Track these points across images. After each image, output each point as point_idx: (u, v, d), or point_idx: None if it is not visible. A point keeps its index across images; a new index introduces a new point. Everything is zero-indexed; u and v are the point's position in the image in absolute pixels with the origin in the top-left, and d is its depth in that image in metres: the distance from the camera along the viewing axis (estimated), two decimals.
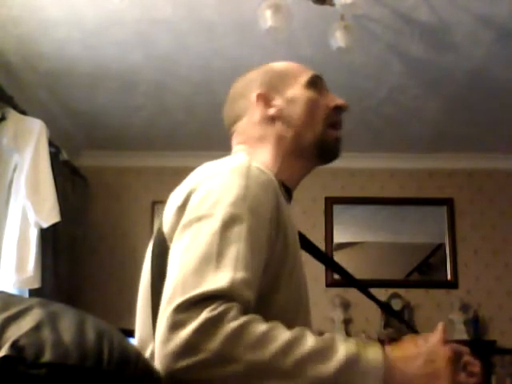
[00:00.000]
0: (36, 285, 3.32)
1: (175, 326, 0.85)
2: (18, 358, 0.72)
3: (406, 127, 4.33)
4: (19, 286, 3.28)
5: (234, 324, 0.85)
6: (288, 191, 1.21)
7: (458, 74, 3.62)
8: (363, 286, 1.40)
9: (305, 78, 1.28)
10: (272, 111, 1.24)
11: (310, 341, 0.89)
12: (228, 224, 0.95)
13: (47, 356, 0.73)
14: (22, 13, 3.06)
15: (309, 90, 1.26)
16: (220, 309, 0.85)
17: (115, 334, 0.81)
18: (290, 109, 1.24)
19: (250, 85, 1.29)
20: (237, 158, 1.13)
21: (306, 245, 1.30)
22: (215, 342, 0.83)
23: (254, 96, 1.25)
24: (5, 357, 0.71)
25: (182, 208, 1.02)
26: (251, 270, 0.93)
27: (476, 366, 1.07)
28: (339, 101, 1.29)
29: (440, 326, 1.05)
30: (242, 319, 0.86)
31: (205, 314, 0.84)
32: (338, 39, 2.80)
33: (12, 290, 3.20)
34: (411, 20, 3.10)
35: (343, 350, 0.89)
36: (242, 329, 0.85)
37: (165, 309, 0.88)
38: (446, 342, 1.10)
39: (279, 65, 1.32)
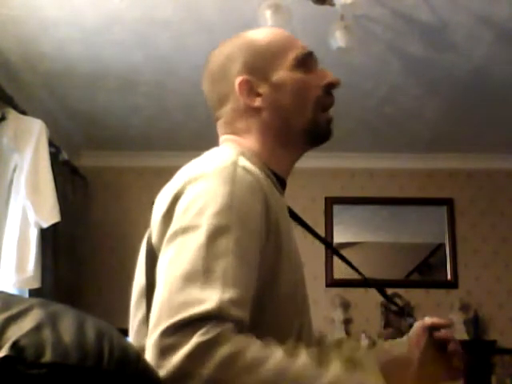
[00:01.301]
0: (36, 285, 3.32)
1: (165, 351, 0.82)
2: (19, 358, 0.71)
3: (405, 127, 4.33)
4: (19, 286, 3.28)
5: (227, 348, 0.82)
6: (280, 181, 1.14)
7: (457, 74, 3.62)
8: (360, 273, 1.37)
9: (291, 57, 1.16)
10: (257, 102, 1.14)
11: (302, 358, 0.86)
12: (214, 236, 0.90)
13: (47, 356, 0.72)
14: (22, 13, 3.06)
15: (296, 72, 1.15)
16: (212, 333, 0.82)
17: (115, 334, 0.81)
18: (276, 96, 1.14)
19: (230, 65, 1.17)
20: (222, 154, 1.05)
21: (303, 226, 1.24)
22: (209, 368, 0.80)
23: (236, 82, 1.14)
24: (5, 357, 0.71)
25: (166, 216, 0.98)
26: (241, 285, 0.88)
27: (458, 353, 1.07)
28: (330, 78, 1.18)
29: (429, 320, 1.06)
30: (236, 343, 0.83)
31: (196, 339, 0.81)
32: (338, 39, 2.79)
33: (12, 290, 3.20)
34: (411, 20, 3.10)
35: (336, 367, 0.88)
36: (236, 354, 0.82)
37: (151, 332, 0.85)
38: (424, 331, 1.10)
39: (262, 40, 1.18)
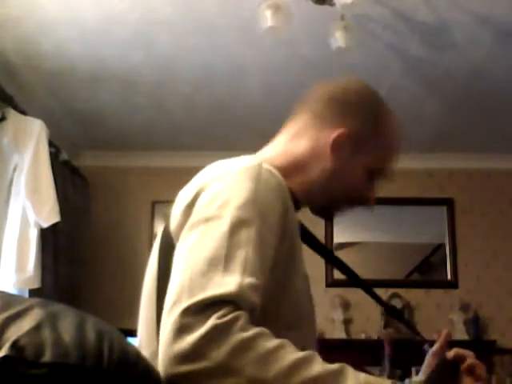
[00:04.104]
0: (36, 285, 3.32)
1: (182, 329, 0.83)
2: (19, 358, 0.72)
3: (405, 127, 4.32)
4: (19, 286, 3.28)
5: (242, 335, 0.83)
6: (296, 202, 1.15)
7: (457, 74, 3.62)
8: (366, 284, 1.39)
9: (378, 163, 1.19)
10: (328, 160, 1.15)
11: (317, 366, 0.86)
12: (236, 227, 0.93)
13: (47, 356, 0.73)
14: (22, 13, 3.06)
15: (369, 173, 1.19)
16: (229, 317, 0.84)
17: (115, 334, 0.81)
18: (341, 173, 1.16)
19: (346, 110, 1.17)
20: (247, 158, 1.09)
21: (309, 240, 1.28)
22: (221, 352, 0.82)
23: (338, 131, 1.14)
24: (5, 357, 0.71)
25: (189, 207, 1.00)
26: (258, 275, 0.91)
27: (482, 369, 1.06)
28: (373, 200, 1.24)
29: (443, 334, 1.06)
30: (251, 332, 0.84)
31: (213, 321, 0.83)
32: (338, 39, 2.80)
33: (12, 290, 3.20)
34: (411, 20, 3.10)
35: (351, 380, 0.87)
36: (249, 342, 0.83)
37: (170, 310, 0.86)
38: (446, 347, 1.10)
39: (388, 119, 1.20)
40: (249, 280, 0.88)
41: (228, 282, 0.87)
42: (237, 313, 0.85)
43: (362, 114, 1.17)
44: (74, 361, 0.73)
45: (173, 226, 1.03)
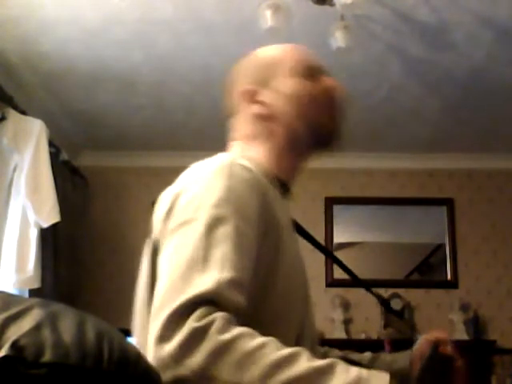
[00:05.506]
0: (36, 285, 3.32)
1: (161, 338, 0.83)
2: (18, 358, 0.71)
3: (405, 127, 4.33)
4: (19, 285, 3.28)
5: (218, 338, 0.81)
6: (284, 186, 1.17)
7: (457, 74, 3.62)
8: (361, 281, 1.39)
9: (291, 65, 1.20)
10: (255, 109, 1.19)
11: (302, 363, 0.82)
12: (212, 226, 0.93)
13: (47, 356, 0.72)
14: (22, 13, 3.06)
15: (296, 78, 1.18)
16: (206, 319, 0.82)
17: (115, 334, 0.81)
18: (277, 102, 1.18)
19: (238, 79, 1.27)
20: (220, 157, 1.09)
21: (305, 236, 1.28)
22: (198, 358, 0.81)
23: (238, 93, 1.24)
24: (5, 357, 0.71)
25: (168, 213, 1.01)
26: (240, 270, 0.90)
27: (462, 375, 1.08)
28: (333, 84, 1.21)
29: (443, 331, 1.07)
30: (230, 333, 0.82)
31: (189, 324, 0.82)
32: (338, 39, 2.80)
33: (12, 290, 3.20)
34: (411, 20, 3.10)
35: (341, 377, 0.81)
36: (226, 345, 0.81)
37: (155, 317, 0.86)
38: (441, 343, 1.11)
39: (268, 53, 1.27)
40: (227, 275, 0.88)
41: (206, 281, 0.86)
42: (215, 314, 0.83)
43: (245, 71, 1.27)
44: (74, 361, 0.73)
45: (156, 232, 1.04)
